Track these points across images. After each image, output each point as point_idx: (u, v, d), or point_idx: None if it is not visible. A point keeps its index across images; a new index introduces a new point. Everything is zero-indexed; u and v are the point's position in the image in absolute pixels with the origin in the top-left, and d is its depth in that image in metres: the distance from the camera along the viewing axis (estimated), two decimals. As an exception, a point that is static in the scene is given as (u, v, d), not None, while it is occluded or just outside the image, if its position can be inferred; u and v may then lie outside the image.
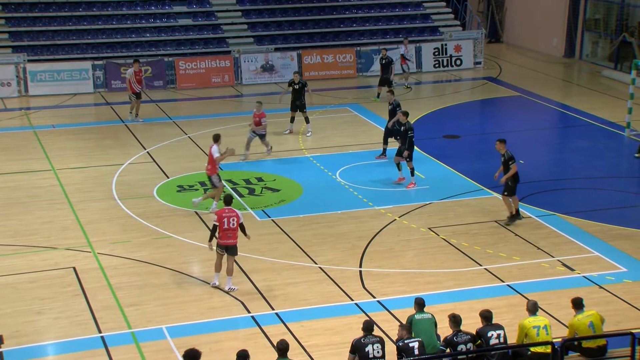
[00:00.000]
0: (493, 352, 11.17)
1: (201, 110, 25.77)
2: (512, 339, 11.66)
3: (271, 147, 21.12)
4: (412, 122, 23.62)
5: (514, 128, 24.30)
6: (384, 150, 20.87)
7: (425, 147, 21.76)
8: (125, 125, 23.84)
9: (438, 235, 16.65)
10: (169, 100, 27.04)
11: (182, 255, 15.85)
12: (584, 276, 14.92)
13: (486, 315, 11.44)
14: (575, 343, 11.55)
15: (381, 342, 11.01)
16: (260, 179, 19.63)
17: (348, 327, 13.13)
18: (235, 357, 10.48)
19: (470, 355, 11.16)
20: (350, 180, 19.52)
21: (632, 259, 15.66)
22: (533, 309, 11.63)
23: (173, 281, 14.74)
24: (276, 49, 29.50)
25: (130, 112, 24.13)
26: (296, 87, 22.78)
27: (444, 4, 33.10)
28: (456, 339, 11.13)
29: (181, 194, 18.78)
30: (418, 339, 11.11)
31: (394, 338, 11.94)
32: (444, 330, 11.66)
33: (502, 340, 11.27)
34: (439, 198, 18.52)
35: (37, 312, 13.67)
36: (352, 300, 14.06)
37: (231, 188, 18.99)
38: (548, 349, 11.11)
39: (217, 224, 14.09)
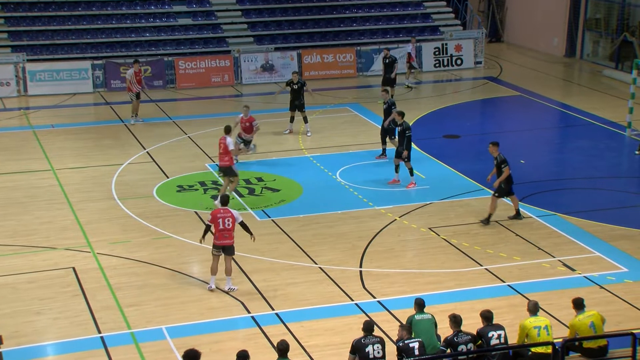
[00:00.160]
0: (494, 353, 11.15)
1: (201, 110, 25.74)
2: (512, 340, 11.64)
3: (255, 146, 20.54)
4: (412, 122, 23.72)
5: (515, 128, 24.28)
6: (384, 150, 20.83)
7: (425, 147, 21.73)
8: (125, 125, 23.81)
9: (438, 235, 16.62)
10: (169, 100, 27.01)
11: (181, 255, 15.82)
12: (584, 276, 14.89)
13: (487, 316, 11.42)
14: (576, 343, 11.53)
15: (381, 342, 10.99)
16: (260, 179, 19.60)
17: (348, 327, 13.10)
18: (236, 357, 10.45)
19: (470, 356, 11.13)
20: (350, 180, 19.48)
21: (633, 259, 15.63)
22: (534, 309, 11.60)
23: (173, 281, 14.71)
24: (276, 49, 29.47)
25: (133, 115, 23.95)
26: (295, 87, 22.75)
27: (444, 3, 33.07)
28: (457, 339, 11.11)
29: (181, 194, 18.74)
30: (418, 339, 11.09)
31: (394, 338, 11.91)
32: (445, 330, 11.62)
33: (502, 340, 11.25)
34: (440, 198, 18.48)
35: (36, 313, 13.64)
36: (353, 300, 14.03)
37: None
38: (549, 350, 11.09)
39: (211, 224, 14.08)
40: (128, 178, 19.73)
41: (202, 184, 19.28)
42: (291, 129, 23.07)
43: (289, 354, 10.71)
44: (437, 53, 30.68)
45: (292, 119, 23.05)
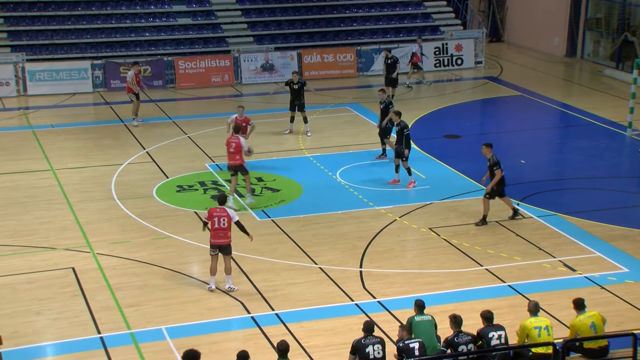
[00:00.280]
0: (494, 353, 11.14)
1: (201, 110, 25.71)
2: (513, 340, 11.62)
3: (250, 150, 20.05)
4: (412, 122, 23.71)
5: (515, 128, 24.26)
6: (384, 150, 20.79)
7: (425, 147, 21.70)
8: (125, 125, 23.78)
9: (439, 235, 16.59)
10: (169, 99, 26.98)
11: (181, 255, 15.80)
12: (585, 277, 14.87)
13: (487, 316, 11.41)
14: (577, 344, 11.52)
15: (382, 342, 10.98)
16: (260, 179, 19.57)
17: (348, 327, 13.08)
18: (236, 358, 10.44)
19: (471, 356, 11.12)
20: (350, 180, 19.46)
21: (634, 259, 15.60)
22: (534, 309, 11.58)
23: (173, 282, 14.68)
24: (276, 49, 29.44)
25: (134, 118, 23.83)
26: (295, 86, 22.71)
27: (444, 3, 33.04)
28: (457, 339, 11.09)
29: (181, 194, 18.72)
30: (418, 339, 11.06)
31: (395, 339, 11.88)
32: (445, 331, 11.60)
33: (503, 341, 11.23)
34: (440, 198, 18.45)
35: (36, 313, 13.62)
36: (353, 300, 14.00)
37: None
38: (549, 350, 11.08)
39: (207, 221, 14.14)
40: (128, 178, 19.70)
41: (202, 184, 19.26)
42: (291, 129, 23.04)
43: (289, 354, 10.70)
44: (437, 53, 30.65)
45: (292, 119, 23.01)
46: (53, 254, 15.73)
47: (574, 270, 15.12)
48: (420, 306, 11.67)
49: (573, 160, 21.42)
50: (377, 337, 11.02)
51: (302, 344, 12.65)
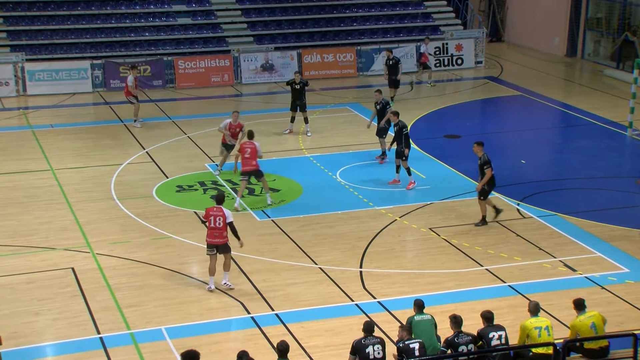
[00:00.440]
0: (494, 353, 11.12)
1: (200, 110, 25.69)
2: (513, 340, 11.60)
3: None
4: (412, 122, 23.68)
5: (515, 128, 24.24)
6: (384, 150, 20.74)
7: (426, 147, 21.68)
8: (124, 125, 23.75)
9: (439, 235, 16.56)
10: (168, 99, 26.95)
11: (181, 255, 15.77)
12: (585, 277, 14.85)
13: (487, 316, 11.39)
14: (577, 344, 11.49)
15: (382, 343, 10.96)
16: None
17: (348, 328, 13.06)
18: (236, 358, 10.41)
19: (471, 357, 11.09)
20: (350, 180, 19.43)
21: (634, 259, 15.58)
22: (535, 309, 11.56)
23: (172, 282, 14.66)
24: (276, 48, 29.42)
25: (135, 120, 23.70)
26: (297, 86, 22.66)
27: (445, 2, 33.01)
28: (457, 339, 11.07)
29: (180, 194, 18.69)
30: (418, 340, 11.04)
31: (395, 339, 11.86)
32: (445, 331, 11.58)
33: (503, 341, 11.21)
34: (440, 198, 18.43)
35: (35, 313, 13.60)
36: (353, 301, 13.98)
37: (231, 188, 18.90)
38: (550, 350, 11.06)
39: (205, 220, 14.14)
40: (127, 178, 19.68)
41: (202, 184, 19.24)
42: (291, 129, 23.00)
43: (289, 354, 10.67)
44: (437, 53, 30.62)
45: (292, 119, 22.97)
46: (53, 254, 15.71)
47: (574, 270, 15.10)
48: (419, 306, 11.66)
49: (573, 160, 21.40)
50: (377, 338, 11.00)
51: (302, 344, 12.63)
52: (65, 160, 20.98)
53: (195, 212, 17.54)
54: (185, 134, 23.05)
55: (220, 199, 14.38)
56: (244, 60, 28.72)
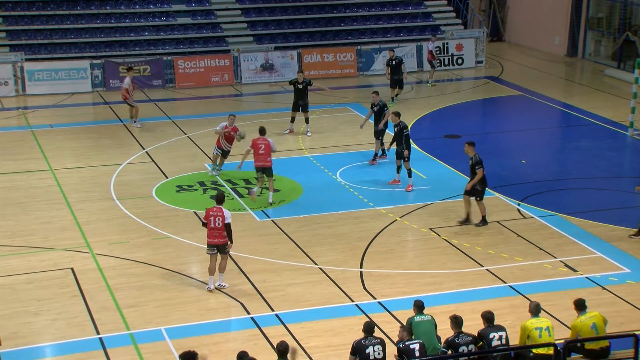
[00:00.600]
0: (495, 354, 11.10)
1: (200, 110, 25.65)
2: (514, 341, 11.57)
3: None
4: (413, 122, 23.64)
5: (516, 127, 24.20)
6: (383, 150, 20.70)
7: (426, 147, 21.64)
8: (124, 124, 23.71)
9: (439, 235, 16.53)
10: (168, 99, 26.91)
11: (181, 256, 15.74)
12: (586, 277, 14.81)
13: (488, 317, 11.36)
14: (578, 344, 11.47)
15: (382, 343, 10.94)
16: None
17: (348, 328, 13.03)
18: (236, 358, 10.37)
19: (472, 357, 11.07)
20: (350, 180, 19.40)
21: (635, 259, 15.54)
22: (535, 310, 11.54)
23: (172, 282, 14.62)
24: (276, 48, 29.38)
25: (135, 121, 23.61)
26: (300, 86, 22.59)
27: (445, 2, 32.96)
28: (458, 340, 11.04)
29: (180, 194, 18.66)
30: (419, 340, 11.01)
31: (395, 339, 11.82)
32: (445, 331, 11.55)
33: (504, 341, 11.19)
34: (440, 198, 18.39)
35: (34, 314, 13.57)
36: (353, 301, 13.95)
37: (230, 188, 18.87)
38: (550, 351, 11.04)
39: (205, 221, 14.12)
40: (127, 178, 19.64)
41: (202, 184, 19.20)
42: (291, 129, 22.95)
43: (288, 355, 10.62)
44: (438, 52, 30.54)
45: (292, 119, 22.90)
46: (52, 255, 15.67)
47: (575, 270, 15.06)
48: (419, 306, 11.64)
49: (574, 160, 21.37)
50: (377, 338, 10.98)
51: (302, 345, 12.60)
52: (65, 160, 20.94)
53: (195, 213, 17.50)
54: (185, 134, 23.01)
55: (220, 199, 14.37)
56: (244, 60, 28.68)
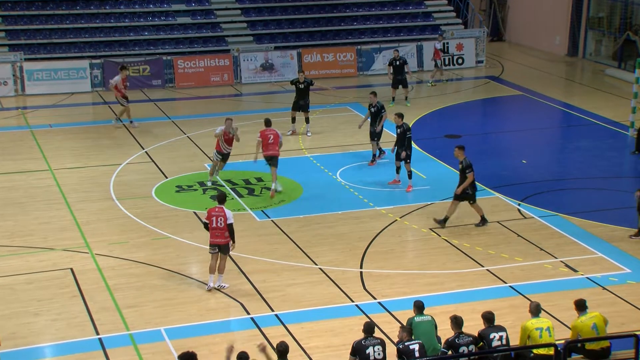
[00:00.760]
0: (495, 354, 11.08)
1: (200, 110, 25.61)
2: (514, 341, 11.55)
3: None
4: (413, 122, 23.60)
5: (517, 127, 24.17)
6: (380, 149, 20.64)
7: (426, 147, 21.60)
8: (124, 124, 23.67)
9: (439, 236, 16.50)
10: (168, 99, 26.88)
11: (180, 256, 15.71)
12: (587, 277, 14.78)
13: (488, 317, 11.34)
14: (579, 345, 11.44)
15: (382, 344, 10.92)
16: (259, 179, 19.48)
17: (348, 328, 13.00)
18: (236, 359, 10.33)
19: (472, 358, 11.05)
20: (350, 180, 19.36)
21: (636, 260, 15.51)
22: (536, 310, 11.52)
23: (172, 282, 14.59)
24: (276, 48, 29.34)
25: (130, 121, 23.47)
26: (301, 86, 22.53)
27: (445, 2, 32.93)
28: (458, 340, 11.02)
29: (180, 194, 18.63)
30: (418, 341, 10.99)
31: (395, 340, 11.79)
32: (446, 332, 11.52)
33: (504, 342, 11.17)
34: (441, 198, 18.34)
35: (34, 314, 13.54)
36: (353, 301, 13.92)
37: (230, 188, 18.83)
38: (551, 351, 11.02)
39: (207, 221, 14.11)
40: (127, 178, 19.61)
41: (202, 184, 19.17)
42: (294, 130, 22.83)
43: (288, 355, 10.61)
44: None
45: (293, 120, 22.80)
46: (51, 255, 15.64)
47: (575, 270, 15.03)
48: (419, 307, 11.62)
49: (575, 160, 21.34)
50: (377, 338, 10.96)
51: (302, 345, 12.57)
52: (64, 160, 20.91)
53: (195, 213, 17.47)
54: (185, 134, 22.98)
55: (221, 199, 14.37)
56: (244, 60, 28.65)
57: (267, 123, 18.66)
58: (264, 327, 13.09)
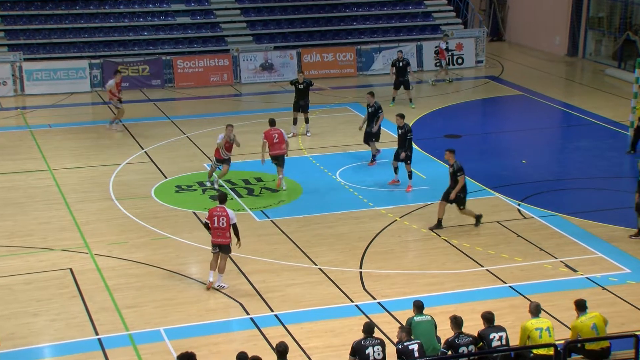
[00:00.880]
0: (495, 355, 11.06)
1: (199, 110, 25.59)
2: (514, 341, 11.53)
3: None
4: (413, 122, 23.58)
5: (516, 127, 24.16)
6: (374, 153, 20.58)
7: (426, 147, 21.58)
8: (123, 124, 23.64)
9: (439, 236, 16.48)
10: (167, 99, 26.86)
11: (180, 256, 15.69)
12: (587, 277, 14.77)
13: (488, 317, 11.33)
14: (578, 345, 11.43)
15: (382, 344, 10.90)
16: (259, 179, 19.47)
17: (348, 329, 12.99)
18: (235, 359, 10.32)
19: (472, 358, 11.04)
20: (350, 181, 19.35)
21: (636, 260, 15.50)
22: (535, 310, 11.50)
23: (171, 282, 14.58)
24: (275, 48, 29.32)
25: (112, 122, 23.23)
26: (300, 87, 22.49)
27: (445, 1, 32.91)
28: (458, 341, 11.01)
29: (179, 195, 18.61)
30: (417, 341, 10.97)
31: (395, 340, 11.77)
32: (445, 332, 11.51)
33: (504, 342, 11.16)
34: (440, 199, 18.28)
35: (33, 314, 13.53)
36: (352, 301, 13.90)
37: (230, 188, 18.82)
38: (551, 351, 11.00)
39: (208, 221, 14.12)
40: (126, 178, 19.59)
41: (201, 184, 19.15)
42: (295, 132, 22.76)
43: (288, 355, 10.60)
44: (437, 52, 30.50)
45: (295, 121, 22.71)
46: (51, 255, 15.62)
47: (575, 271, 15.02)
48: (419, 307, 11.61)
49: (575, 160, 21.32)
50: (377, 339, 10.94)
51: (302, 345, 12.56)
52: (64, 160, 20.89)
53: (194, 213, 17.45)
54: (184, 134, 22.96)
55: (222, 198, 14.37)
56: (243, 60, 28.62)
57: (272, 123, 18.78)
58: (264, 328, 13.08)
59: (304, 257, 15.52)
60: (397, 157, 18.72)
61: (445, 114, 25.18)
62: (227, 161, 18.54)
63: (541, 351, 11.10)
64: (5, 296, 14.11)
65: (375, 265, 15.21)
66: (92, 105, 26.31)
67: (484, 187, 18.92)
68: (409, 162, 18.57)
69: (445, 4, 32.82)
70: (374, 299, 14.01)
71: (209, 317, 13.43)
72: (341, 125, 23.85)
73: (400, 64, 25.42)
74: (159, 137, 22.66)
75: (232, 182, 19.20)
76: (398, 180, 18.96)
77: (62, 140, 22.52)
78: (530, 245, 16.05)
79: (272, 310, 13.61)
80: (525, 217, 17.37)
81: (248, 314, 13.53)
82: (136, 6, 29.67)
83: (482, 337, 11.15)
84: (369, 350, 10.76)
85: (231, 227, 14.05)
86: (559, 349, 10.90)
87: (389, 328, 12.86)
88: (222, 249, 14.14)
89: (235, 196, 18.31)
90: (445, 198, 16.57)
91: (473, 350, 11.00)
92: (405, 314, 12.54)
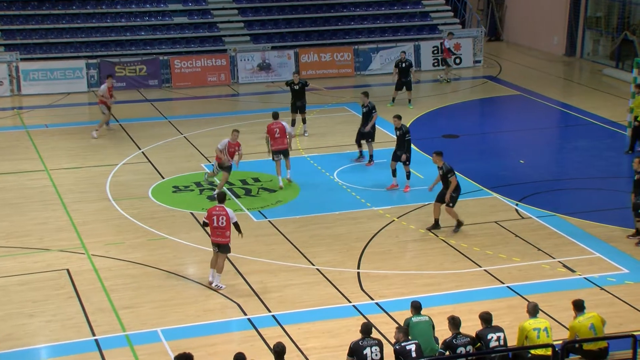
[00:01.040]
0: (493, 355, 11.05)
1: (197, 110, 25.56)
2: (512, 342, 11.51)
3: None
4: (411, 122, 23.56)
5: (514, 127, 24.14)
6: (360, 152, 20.54)
7: (424, 147, 21.54)
8: (120, 124, 23.60)
9: (437, 236, 16.45)
10: (164, 99, 26.82)
11: (177, 256, 15.65)
12: (585, 278, 14.75)
13: (486, 318, 11.30)
14: (576, 345, 11.41)
15: (379, 344, 10.87)
16: (256, 180, 19.43)
17: (346, 329, 12.96)
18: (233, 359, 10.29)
19: (469, 358, 11.02)
20: (348, 181, 19.31)
21: (634, 260, 15.48)
22: (533, 311, 11.49)
23: (168, 283, 14.54)
24: (273, 48, 29.29)
25: (103, 126, 23.02)
26: (296, 87, 22.45)
27: (443, 1, 32.90)
28: (455, 341, 10.99)
29: (176, 195, 18.57)
30: (415, 341, 10.95)
31: (393, 341, 11.74)
32: (443, 332, 11.49)
33: (502, 342, 11.14)
34: (435, 200, 18.25)
35: (29, 315, 13.48)
36: (350, 302, 13.87)
37: (227, 189, 18.76)
38: (549, 352, 10.98)
39: (207, 220, 14.12)
40: (123, 178, 19.55)
41: (198, 184, 19.12)
42: (293, 134, 22.65)
43: (285, 356, 10.57)
44: (435, 52, 30.50)
45: (293, 122, 22.65)
46: (47, 255, 15.58)
47: (573, 271, 15.00)
48: (416, 307, 11.60)
49: (573, 160, 21.31)
50: (374, 339, 10.91)
51: (299, 346, 12.53)
52: (60, 160, 20.84)
53: (192, 213, 17.41)
54: (182, 134, 22.92)
55: (221, 198, 14.37)
56: (241, 60, 28.59)
57: (275, 116, 19.04)
58: (261, 328, 13.05)
59: (301, 258, 15.49)
60: (395, 158, 18.67)
61: (443, 114, 25.16)
62: (227, 168, 18.04)
63: (539, 351, 11.08)
64: (1, 297, 14.07)
65: (373, 266, 15.18)
66: (89, 105, 26.24)
67: (481, 187, 18.90)
68: (407, 163, 18.54)
69: (443, 4, 32.81)
70: (372, 299, 13.98)
71: (206, 318, 13.40)
72: (339, 125, 23.83)
73: (404, 64, 25.35)
74: (156, 137, 22.62)
75: (230, 182, 19.13)
76: (397, 185, 18.87)
77: (59, 140, 22.48)
78: (528, 245, 16.03)
79: (269, 311, 13.58)
80: (523, 217, 17.35)
81: (245, 314, 13.50)
82: (133, 6, 29.63)
83: (479, 337, 11.12)
84: (367, 351, 10.74)
85: (232, 226, 14.06)
86: (556, 349, 10.88)
87: (386, 328, 12.83)
88: (221, 248, 14.13)
89: (233, 196, 18.27)
90: (440, 199, 16.54)
91: (471, 351, 10.98)
92: (403, 315, 12.51)
